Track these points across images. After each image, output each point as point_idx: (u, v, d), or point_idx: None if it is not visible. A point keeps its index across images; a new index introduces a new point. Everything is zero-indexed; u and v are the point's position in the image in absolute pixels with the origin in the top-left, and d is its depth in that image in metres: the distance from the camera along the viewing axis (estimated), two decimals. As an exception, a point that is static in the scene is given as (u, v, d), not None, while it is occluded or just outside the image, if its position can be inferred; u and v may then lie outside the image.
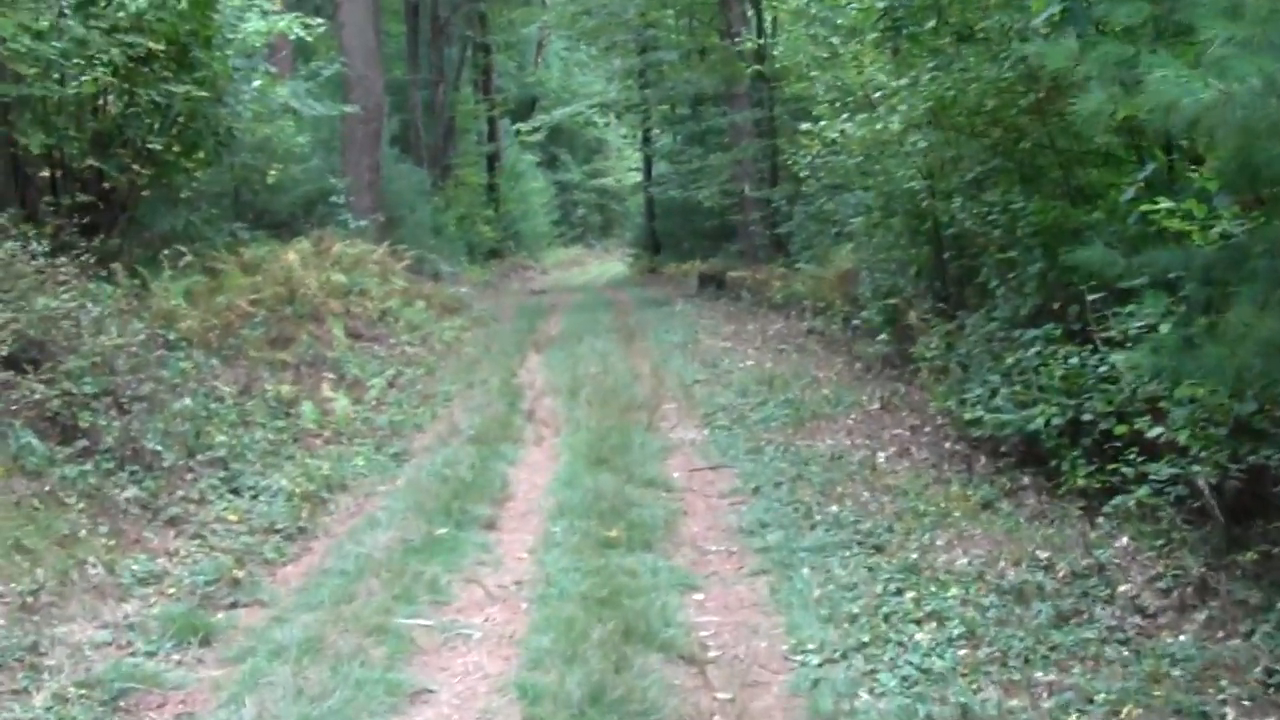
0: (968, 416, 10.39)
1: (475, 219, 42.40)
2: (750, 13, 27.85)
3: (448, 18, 43.29)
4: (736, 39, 26.66)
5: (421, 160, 38.71)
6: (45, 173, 14.68)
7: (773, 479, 10.62)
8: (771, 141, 25.75)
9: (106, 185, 14.73)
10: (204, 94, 14.82)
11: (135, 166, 14.60)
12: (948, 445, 11.20)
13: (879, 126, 12.99)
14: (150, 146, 14.67)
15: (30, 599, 7.43)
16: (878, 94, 13.71)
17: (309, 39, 19.64)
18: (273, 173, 19.83)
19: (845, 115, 14.15)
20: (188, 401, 11.74)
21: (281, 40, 26.29)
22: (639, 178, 45.88)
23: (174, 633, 7.32)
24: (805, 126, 15.64)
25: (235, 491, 10.49)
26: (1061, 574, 7.58)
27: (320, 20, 19.83)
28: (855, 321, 17.20)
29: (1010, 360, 10.31)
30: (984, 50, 11.36)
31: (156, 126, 15.11)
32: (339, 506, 10.52)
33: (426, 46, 42.25)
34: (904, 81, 12.54)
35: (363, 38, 26.50)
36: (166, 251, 15.02)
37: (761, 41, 24.35)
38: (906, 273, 15.39)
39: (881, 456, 11.08)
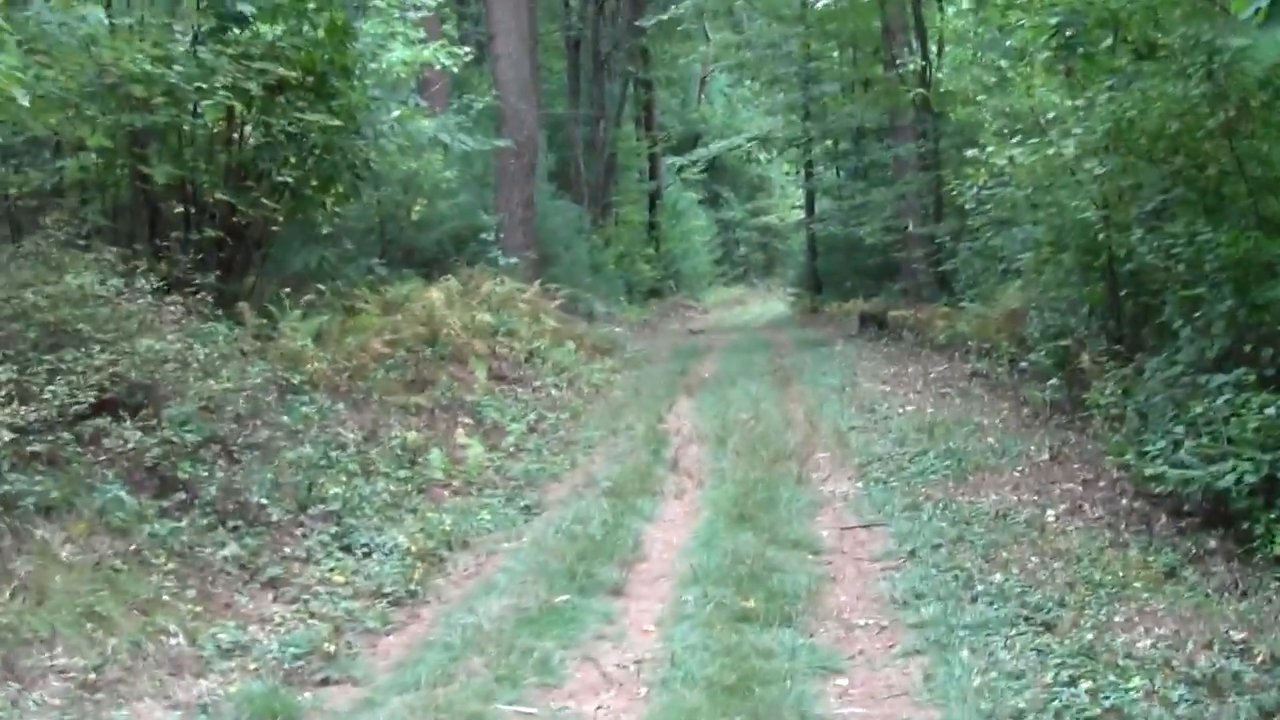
0: (1148, 471, 9.26)
1: (635, 257, 41.70)
2: (915, 43, 26.67)
3: (609, 53, 42.73)
4: (900, 68, 25.64)
5: (581, 197, 38.10)
6: (179, 208, 14.22)
7: (930, 540, 9.52)
8: (936, 174, 24.57)
9: (237, 220, 14.16)
10: (338, 123, 14.14)
11: (265, 200, 13.98)
12: (1124, 502, 10.09)
13: (1051, 152, 11.90)
14: (283, 179, 14.04)
15: (94, 675, 6.67)
16: (1050, 117, 12.62)
17: (455, 69, 18.98)
18: (418, 208, 19.22)
19: (1014, 140, 13.05)
20: (307, 449, 11.09)
21: (435, 74, 25.91)
22: (801, 215, 44.70)
23: (250, 715, 6.52)
24: (972, 153, 14.51)
25: (347, 549, 9.74)
26: (1260, 659, 6.56)
27: (468, 50, 19.15)
28: (1022, 364, 16.07)
29: (1196, 409, 9.27)
30: (1167, 67, 10.28)
31: (291, 159, 14.50)
32: (457, 566, 9.68)
33: (588, 83, 41.69)
34: (1079, 103, 11.46)
35: (517, 71, 25.90)
36: (288, 291, 14.37)
37: (925, 64, 23.28)
38: (1078, 312, 14.31)
39: (1051, 515, 9.97)
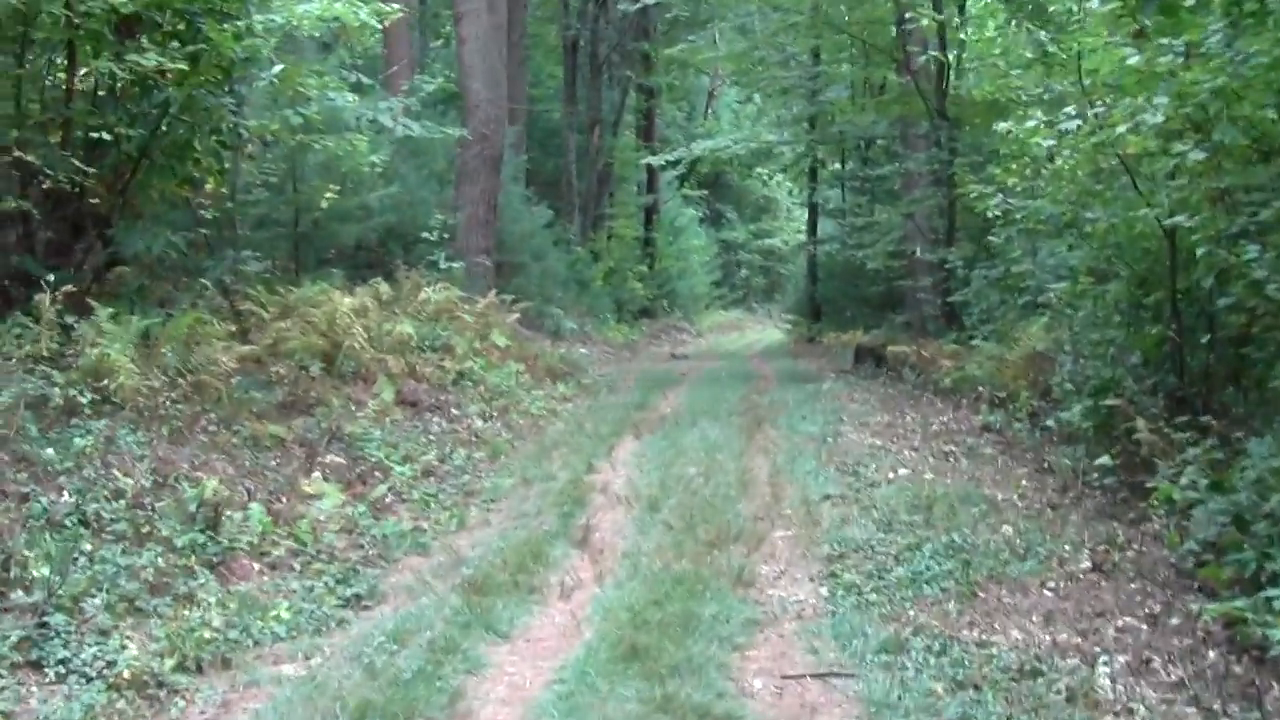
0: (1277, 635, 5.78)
1: (627, 274, 38.26)
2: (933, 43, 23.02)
3: (607, 56, 39.23)
4: (914, 69, 22.08)
5: (572, 207, 34.78)
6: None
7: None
8: (949, 191, 21.03)
9: (53, 189, 10.93)
10: (181, 66, 10.86)
11: (79, 164, 10.70)
12: (1211, 656, 6.55)
13: (1122, 130, 8.35)
14: (98, 137, 10.76)
15: None
16: (1112, 85, 9.13)
17: (379, 27, 15.40)
18: (329, 196, 15.75)
19: (1067, 113, 9.50)
20: (66, 500, 7.70)
21: (399, 48, 22.72)
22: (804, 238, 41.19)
23: None
24: (1004, 126, 10.89)
25: (36, 666, 6.26)
26: None
27: (397, 7, 15.63)
28: (1048, 422, 12.61)
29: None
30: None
31: (139, 114, 11.31)
32: (188, 708, 6.14)
33: (585, 87, 38.19)
34: (1174, 50, 7.92)
35: (485, 56, 22.46)
36: (129, 284, 11.08)
37: (943, 29, 19.64)
38: (1126, 360, 10.89)
39: (1105, 674, 6.39)
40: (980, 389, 15.76)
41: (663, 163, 34.19)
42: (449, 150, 22.59)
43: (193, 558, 7.99)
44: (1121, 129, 8.25)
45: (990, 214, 12.69)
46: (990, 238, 15.22)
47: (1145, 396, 10.49)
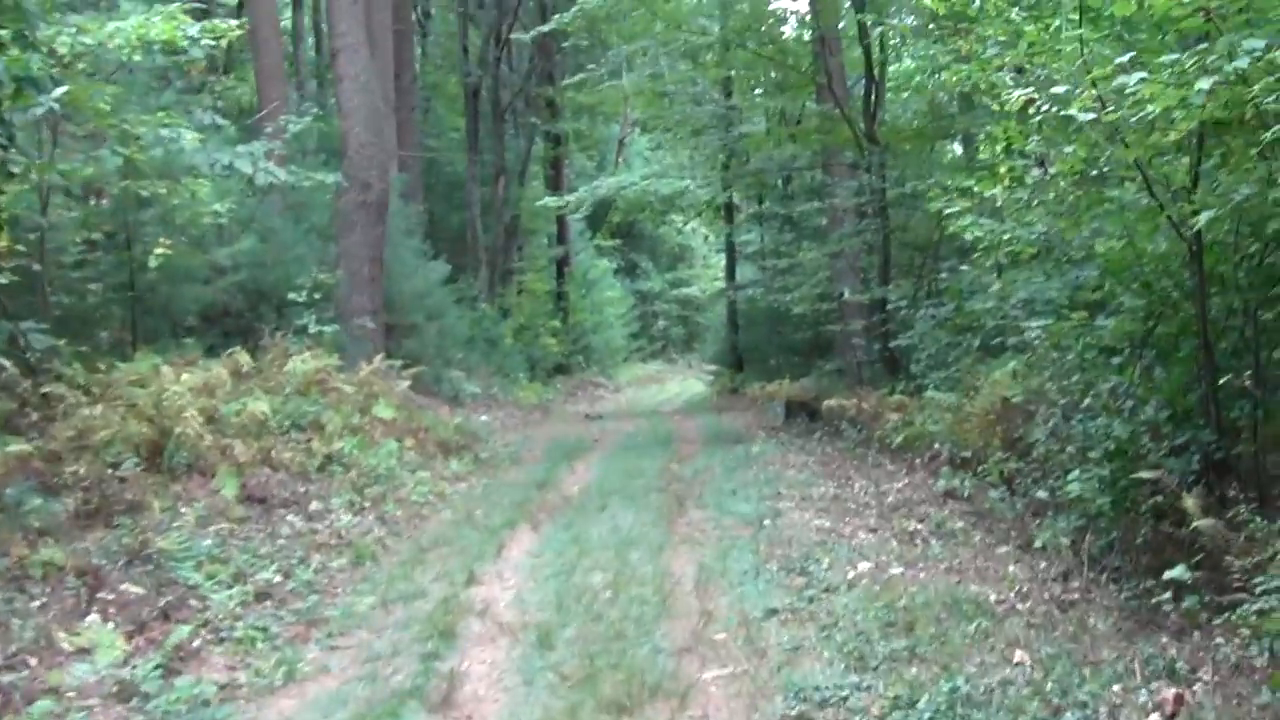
0: None
1: (539, 330, 35.76)
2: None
3: (510, 103, 36.60)
4: (838, 93, 19.56)
5: (479, 263, 32.20)
6: None
7: None
8: (883, 225, 18.46)
9: None
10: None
11: None
12: None
13: (1204, 86, 5.59)
14: None
15: None
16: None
17: (202, 51, 12.63)
18: (161, 253, 12.91)
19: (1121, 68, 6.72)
20: None
21: (272, 91, 20.35)
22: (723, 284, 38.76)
23: None
24: (1019, 95, 7.94)
25: None
26: None
27: (236, 23, 12.86)
28: (1040, 492, 9.91)
29: None
30: None
31: None
32: None
33: (489, 137, 35.52)
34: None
35: (365, 96, 19.68)
36: None
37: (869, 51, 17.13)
38: (1139, 414, 8.32)
39: None
40: (937, 447, 13.17)
41: (564, 204, 31.14)
42: (326, 201, 19.83)
43: None
44: (1203, 84, 5.44)
45: (971, 236, 9.96)
46: (963, 268, 12.58)
47: (1170, 459, 7.91)
